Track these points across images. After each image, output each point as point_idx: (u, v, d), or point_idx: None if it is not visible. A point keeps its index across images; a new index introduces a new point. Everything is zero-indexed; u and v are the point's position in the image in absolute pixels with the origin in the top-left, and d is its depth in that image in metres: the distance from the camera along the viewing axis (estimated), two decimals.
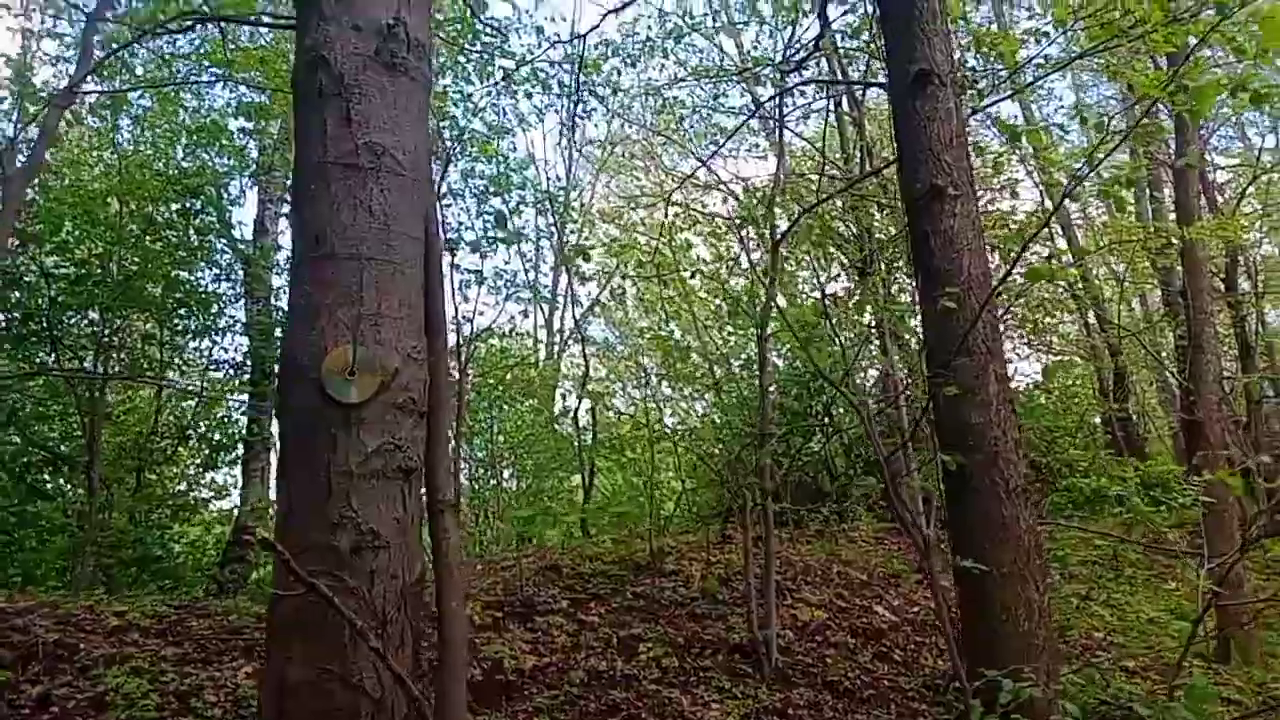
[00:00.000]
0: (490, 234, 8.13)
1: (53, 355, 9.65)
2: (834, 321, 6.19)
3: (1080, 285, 11.40)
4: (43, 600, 5.28)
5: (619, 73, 9.60)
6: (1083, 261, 11.75)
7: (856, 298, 8.21)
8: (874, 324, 8.71)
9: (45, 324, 9.40)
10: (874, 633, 6.60)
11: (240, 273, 10.88)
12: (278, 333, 11.02)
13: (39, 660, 4.32)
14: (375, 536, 2.31)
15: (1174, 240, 8.37)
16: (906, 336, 7.65)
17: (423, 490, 2.57)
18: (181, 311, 10.32)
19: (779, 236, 6.35)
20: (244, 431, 10.56)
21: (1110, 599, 6.66)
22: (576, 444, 10.99)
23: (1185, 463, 8.22)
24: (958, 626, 3.77)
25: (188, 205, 10.03)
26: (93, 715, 4.00)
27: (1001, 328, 10.18)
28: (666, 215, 7.72)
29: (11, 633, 4.49)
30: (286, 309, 2.55)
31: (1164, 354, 12.40)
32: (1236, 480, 3.56)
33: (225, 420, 11.01)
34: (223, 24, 6.51)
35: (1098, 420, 12.43)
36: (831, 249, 9.05)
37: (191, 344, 10.90)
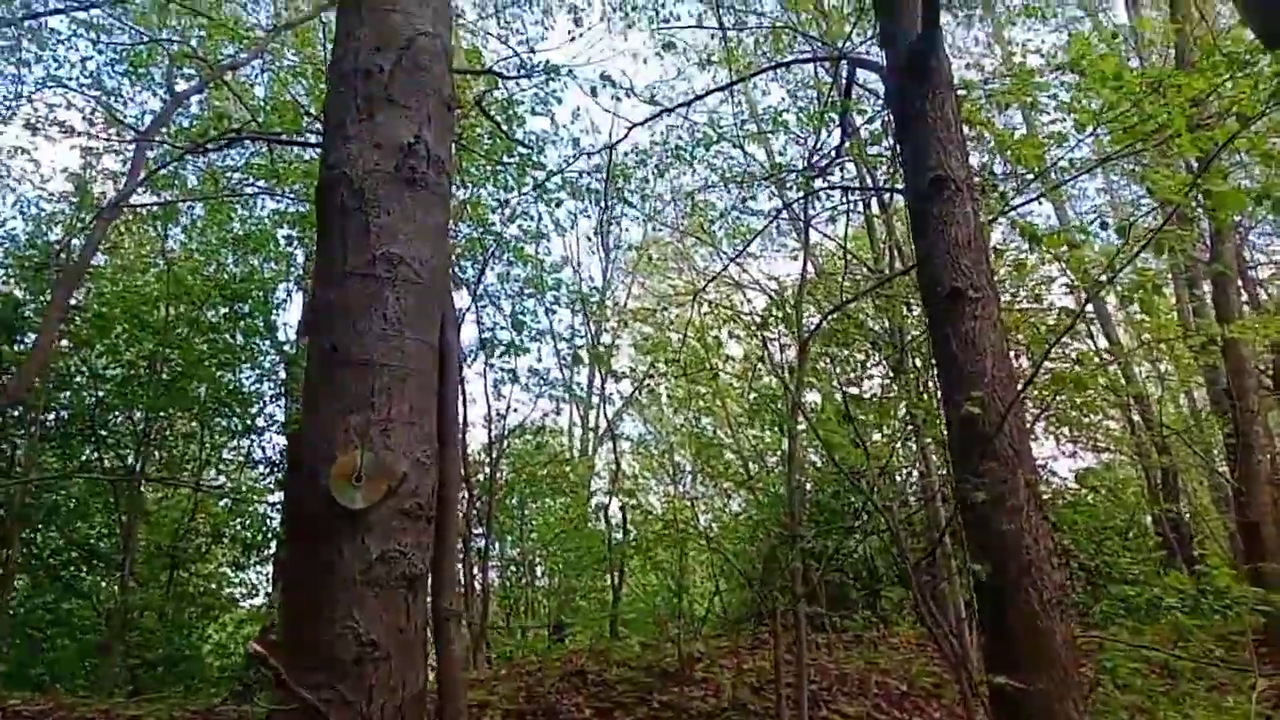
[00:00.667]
0: (519, 338, 8.29)
1: (95, 453, 9.88)
2: (861, 420, 6.12)
3: (1122, 383, 11.19)
4: (60, 703, 5.24)
5: (649, 181, 9.88)
6: (1124, 360, 11.55)
7: (887, 396, 8.13)
8: (909, 422, 8.59)
9: (90, 423, 9.65)
10: None
11: (282, 373, 11.15)
12: None
13: None
14: (375, 647, 2.27)
15: (1215, 339, 8.23)
16: (938, 436, 7.54)
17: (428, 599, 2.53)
18: (223, 411, 10.57)
19: (807, 335, 6.36)
20: (277, 528, 10.64)
21: (1166, 715, 6.28)
22: (607, 543, 10.86)
23: (1243, 564, 7.85)
24: None
25: (235, 309, 10.38)
26: None
27: (1040, 426, 10.00)
28: (697, 310, 7.81)
29: None
30: (301, 416, 2.58)
31: (1215, 452, 12.01)
32: None
33: (259, 518, 11.10)
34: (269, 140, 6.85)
35: (1149, 520, 11.99)
36: (863, 347, 9.04)
37: (230, 443, 11.11)
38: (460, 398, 2.68)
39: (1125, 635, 6.78)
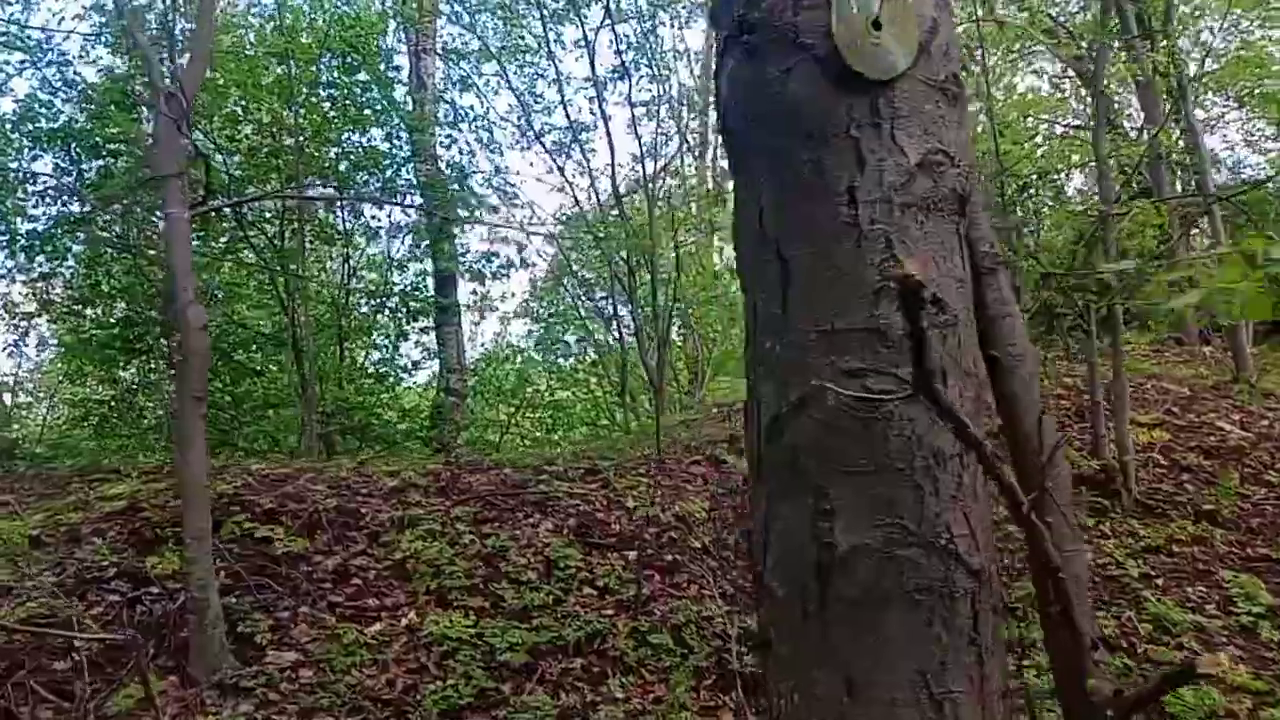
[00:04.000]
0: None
1: (239, 231, 9.33)
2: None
3: None
4: (301, 466, 4.83)
5: None
6: None
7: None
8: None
9: (230, 197, 9.02)
10: (1229, 452, 5.45)
11: (406, 134, 10.23)
12: (454, 187, 10.37)
13: (324, 529, 3.81)
14: (940, 308, 1.38)
15: None
16: None
17: None
18: (359, 176, 9.84)
19: None
20: (436, 296, 10.21)
21: None
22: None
23: None
24: None
25: (347, 61, 9.31)
26: (398, 585, 3.46)
27: None
28: None
29: (286, 500, 4.00)
30: None
31: None
32: None
33: (416, 288, 10.63)
34: None
35: None
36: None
37: (371, 210, 10.45)
38: None
39: None
